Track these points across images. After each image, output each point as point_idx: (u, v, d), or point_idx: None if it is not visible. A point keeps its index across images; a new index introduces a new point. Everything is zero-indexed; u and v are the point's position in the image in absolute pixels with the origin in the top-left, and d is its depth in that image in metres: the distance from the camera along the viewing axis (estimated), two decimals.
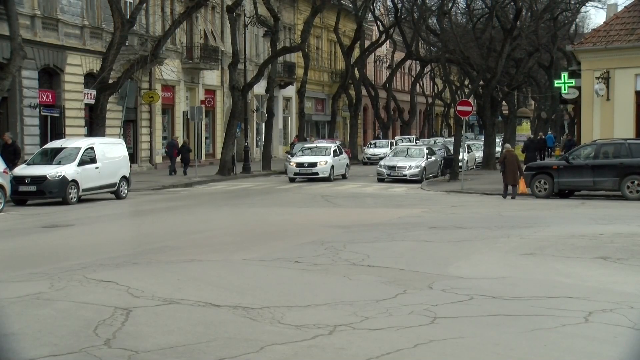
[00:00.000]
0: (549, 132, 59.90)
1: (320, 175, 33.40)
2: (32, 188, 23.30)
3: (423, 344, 7.48)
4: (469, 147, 41.86)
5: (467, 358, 7.17)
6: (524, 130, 56.25)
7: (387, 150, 45.65)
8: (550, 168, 25.15)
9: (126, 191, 26.19)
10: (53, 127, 32.08)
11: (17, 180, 23.22)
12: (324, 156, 34.49)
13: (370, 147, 53.41)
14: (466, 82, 61.45)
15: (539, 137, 48.13)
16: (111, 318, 8.52)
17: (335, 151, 35.12)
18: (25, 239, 15.98)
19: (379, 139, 58.79)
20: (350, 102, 54.71)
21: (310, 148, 36.18)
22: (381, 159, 37.90)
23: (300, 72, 52.75)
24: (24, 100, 30.81)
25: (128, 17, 30.78)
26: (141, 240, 15.80)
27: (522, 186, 25.33)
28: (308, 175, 33.52)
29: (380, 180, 33.57)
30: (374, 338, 7.72)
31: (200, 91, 45.66)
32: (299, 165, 33.96)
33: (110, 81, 30.24)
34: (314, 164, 33.75)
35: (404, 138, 55.61)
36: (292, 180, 33.73)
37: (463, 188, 28.73)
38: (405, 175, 33.22)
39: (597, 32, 30.79)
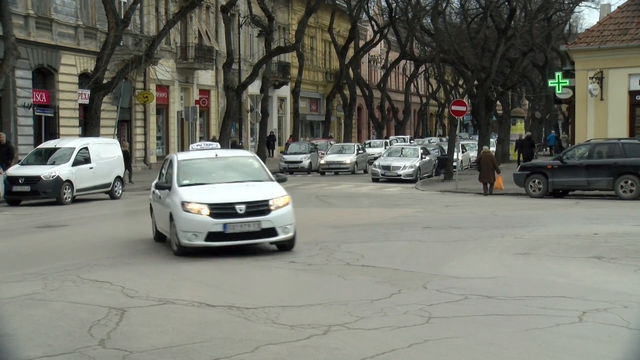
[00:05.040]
0: (552, 132, 60.64)
1: None
2: (26, 188, 23.23)
3: (418, 343, 7.48)
4: (463, 147, 41.88)
5: (462, 358, 7.17)
6: (519, 130, 56.50)
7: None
8: (544, 168, 25.18)
9: (120, 191, 26.14)
10: (47, 127, 32.01)
11: (11, 181, 23.16)
12: None
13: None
14: (460, 82, 61.45)
15: (524, 138, 48.44)
16: (105, 318, 8.51)
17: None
18: (19, 239, 15.94)
19: (383, 138, 57.01)
20: (344, 102, 54.68)
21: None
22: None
23: (294, 72, 52.69)
24: (18, 100, 30.71)
25: (122, 17, 30.69)
26: (136, 240, 15.76)
27: (498, 183, 26.49)
28: None
29: (375, 180, 33.59)
30: (369, 338, 7.72)
31: (194, 91, 45.58)
32: None
33: (105, 81, 30.16)
34: None
35: (398, 138, 55.49)
36: None
37: (457, 188, 28.73)
38: (400, 175, 33.23)
39: (591, 32, 30.87)
